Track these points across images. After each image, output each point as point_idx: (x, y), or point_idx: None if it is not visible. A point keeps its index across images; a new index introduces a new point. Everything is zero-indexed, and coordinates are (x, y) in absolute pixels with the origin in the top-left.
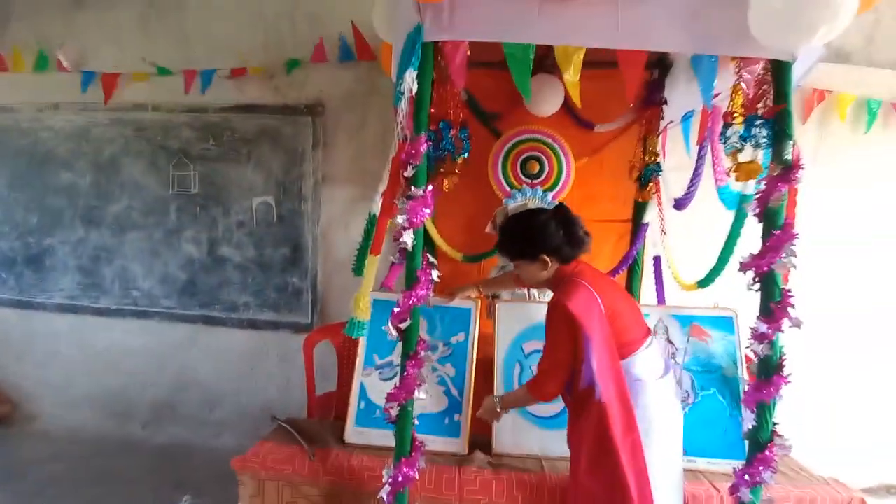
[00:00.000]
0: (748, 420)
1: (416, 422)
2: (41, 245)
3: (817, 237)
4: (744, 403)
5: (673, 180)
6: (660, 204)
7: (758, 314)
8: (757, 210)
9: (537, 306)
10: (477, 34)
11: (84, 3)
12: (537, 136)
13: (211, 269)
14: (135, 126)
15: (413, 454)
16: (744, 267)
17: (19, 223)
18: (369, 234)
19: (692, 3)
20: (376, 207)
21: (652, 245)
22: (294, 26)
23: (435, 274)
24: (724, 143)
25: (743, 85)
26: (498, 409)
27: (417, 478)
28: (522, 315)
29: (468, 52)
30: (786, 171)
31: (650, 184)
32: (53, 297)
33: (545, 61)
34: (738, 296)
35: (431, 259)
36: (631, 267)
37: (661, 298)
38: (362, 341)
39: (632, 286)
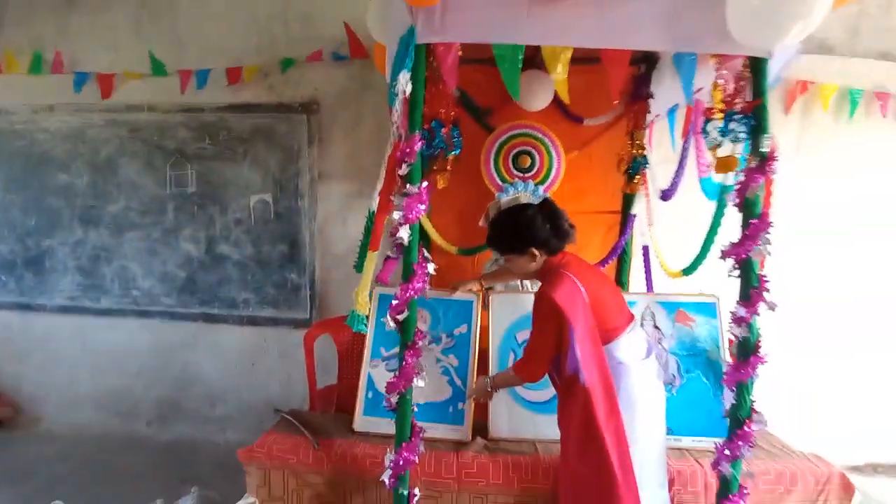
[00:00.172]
0: (728, 399)
1: (416, 409)
2: (40, 247)
3: (800, 227)
4: (724, 383)
5: (659, 172)
6: (647, 195)
7: (737, 299)
8: (736, 200)
9: (528, 297)
10: (468, 36)
11: (77, 6)
12: (528, 130)
13: (210, 267)
14: (130, 127)
15: (413, 439)
16: (724, 255)
17: (17, 225)
18: (369, 231)
19: (672, 3)
20: (374, 205)
21: (640, 235)
22: (287, 26)
23: (431, 267)
24: (706, 137)
25: (721, 81)
26: (489, 389)
27: (417, 461)
28: (515, 305)
29: (460, 53)
30: (762, 163)
31: (637, 176)
32: (54, 299)
33: (535, 58)
34: (721, 282)
35: (426, 254)
36: (620, 256)
37: (649, 286)
38: (369, 334)
39: (621, 275)
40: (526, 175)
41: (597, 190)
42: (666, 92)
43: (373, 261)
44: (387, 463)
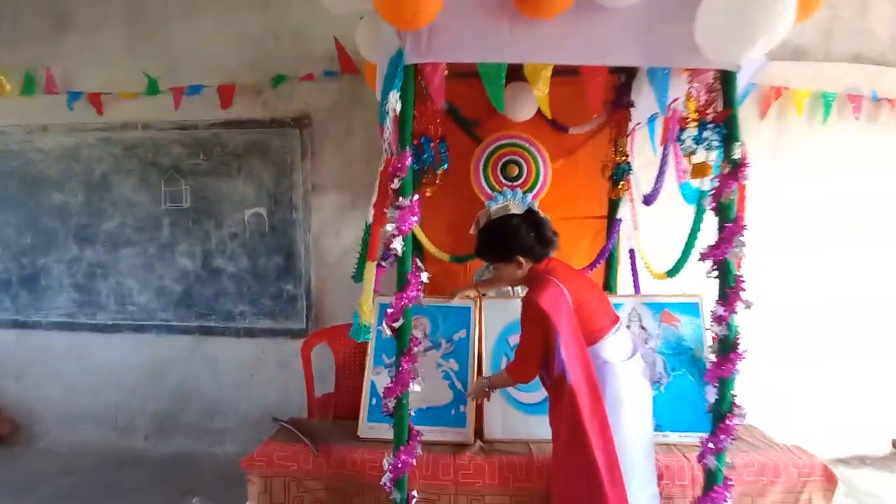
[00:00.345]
0: (711, 394)
1: (413, 413)
2: (35, 265)
3: (775, 230)
4: (707, 379)
5: (643, 178)
6: (631, 200)
7: (716, 298)
8: (712, 205)
9: (519, 302)
10: (453, 56)
11: (68, 26)
12: (515, 140)
13: (206, 281)
14: (125, 145)
15: (410, 443)
16: (703, 257)
17: (12, 244)
18: (366, 243)
19: (645, 21)
20: (370, 217)
21: (627, 239)
22: (278, 42)
23: (424, 276)
24: (681, 145)
25: (694, 92)
26: (486, 389)
27: (415, 464)
28: (506, 311)
29: (446, 72)
30: (735, 169)
31: (622, 182)
32: (50, 316)
33: (519, 70)
34: (704, 283)
35: (420, 263)
36: (608, 260)
37: (637, 288)
38: (371, 342)
39: (609, 278)
40: (514, 184)
41: (583, 196)
42: (645, 101)
43: (372, 271)
44: (385, 466)
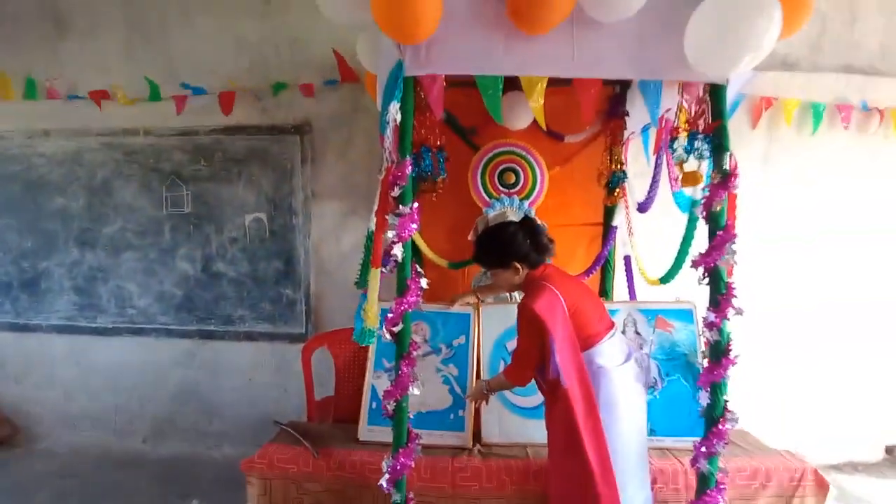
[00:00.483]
0: (704, 399)
1: (412, 416)
2: (36, 268)
3: (767, 235)
4: (699, 384)
5: (637, 186)
6: (627, 208)
7: (708, 305)
8: (704, 213)
9: (515, 308)
10: (452, 68)
11: (67, 32)
12: (512, 148)
13: (206, 285)
14: (126, 150)
15: (409, 445)
16: (694, 264)
17: (13, 248)
18: (369, 250)
19: (637, 36)
20: (372, 224)
21: (622, 245)
22: (277, 49)
23: (424, 282)
24: (673, 154)
25: (685, 104)
26: (485, 391)
27: (413, 466)
28: (503, 317)
29: (444, 84)
30: (725, 179)
31: (617, 189)
32: (50, 319)
33: (516, 80)
34: (698, 289)
35: (419, 269)
36: (604, 266)
37: (632, 294)
38: (373, 346)
39: (605, 284)
40: (511, 191)
41: (579, 203)
42: (639, 112)
43: (376, 277)
44: (384, 468)
